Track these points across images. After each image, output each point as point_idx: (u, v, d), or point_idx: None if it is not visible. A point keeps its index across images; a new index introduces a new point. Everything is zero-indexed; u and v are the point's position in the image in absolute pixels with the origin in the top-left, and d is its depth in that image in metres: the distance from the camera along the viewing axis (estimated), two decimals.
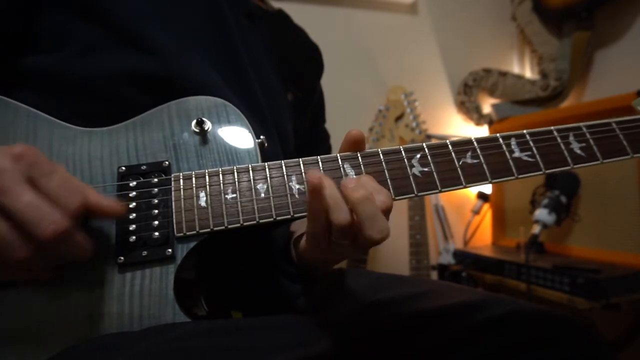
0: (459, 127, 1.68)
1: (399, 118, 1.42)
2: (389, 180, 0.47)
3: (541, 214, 1.22)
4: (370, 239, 0.40)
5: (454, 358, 0.46)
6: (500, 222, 1.60)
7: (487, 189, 1.62)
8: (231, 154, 0.50)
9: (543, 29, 1.63)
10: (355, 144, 0.48)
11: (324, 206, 0.41)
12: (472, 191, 1.66)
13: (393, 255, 1.54)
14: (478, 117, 1.64)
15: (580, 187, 1.27)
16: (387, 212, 0.42)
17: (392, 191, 0.46)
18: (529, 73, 1.77)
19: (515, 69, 1.79)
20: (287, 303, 0.64)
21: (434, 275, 1.45)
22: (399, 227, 1.44)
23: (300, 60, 0.79)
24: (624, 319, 1.27)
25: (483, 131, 1.67)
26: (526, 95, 1.62)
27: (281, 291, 0.64)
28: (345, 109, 1.48)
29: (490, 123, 1.63)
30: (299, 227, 0.67)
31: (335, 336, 0.44)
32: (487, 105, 1.68)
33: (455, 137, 1.60)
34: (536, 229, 1.21)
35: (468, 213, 1.65)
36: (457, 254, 1.46)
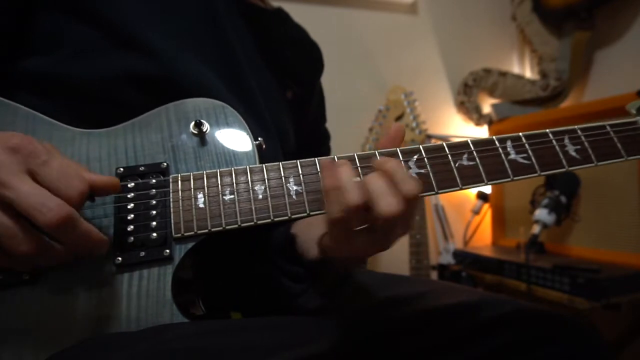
0: (459, 127, 1.68)
1: (399, 118, 1.42)
2: None
3: (541, 214, 1.22)
4: (380, 212, 0.40)
5: (454, 358, 0.46)
6: (500, 222, 1.60)
7: (486, 188, 1.61)
8: (229, 156, 0.50)
9: (543, 29, 1.63)
10: (394, 137, 0.49)
11: (336, 184, 0.42)
12: (472, 191, 1.66)
13: (393, 255, 1.53)
14: (478, 117, 1.64)
15: (580, 187, 1.27)
16: (408, 200, 0.41)
17: None
18: (529, 73, 1.77)
19: (515, 69, 1.79)
20: (285, 303, 0.64)
21: (434, 275, 1.45)
22: None
23: (300, 58, 0.79)
24: (624, 319, 1.27)
25: (483, 131, 1.67)
26: (526, 95, 1.62)
27: (280, 291, 0.64)
28: (345, 109, 1.48)
29: (490, 123, 1.63)
30: (301, 229, 0.68)
31: (334, 336, 0.44)
32: (487, 105, 1.67)
33: (455, 137, 1.60)
34: (536, 229, 1.21)
35: (468, 213, 1.65)
36: (457, 254, 1.46)
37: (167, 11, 0.60)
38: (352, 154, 0.48)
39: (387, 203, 0.40)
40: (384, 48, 1.61)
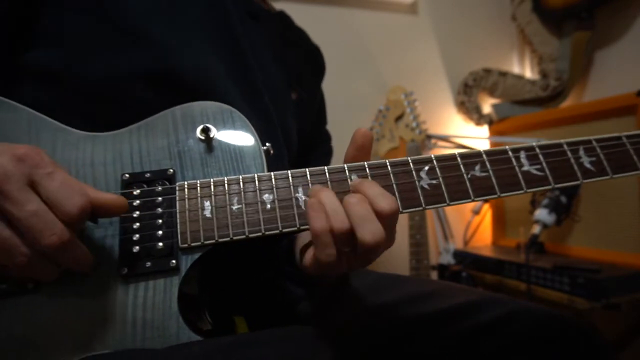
0: (459, 127, 1.68)
1: (399, 118, 1.42)
2: (396, 193, 0.46)
3: (541, 214, 1.22)
4: (362, 240, 0.39)
5: (454, 358, 0.46)
6: (500, 222, 1.60)
7: None
8: (237, 162, 0.49)
9: (543, 29, 1.62)
10: (362, 144, 0.47)
11: (324, 218, 0.41)
12: None
13: (393, 255, 1.54)
14: (478, 117, 1.63)
15: (581, 187, 1.27)
16: (387, 217, 0.41)
17: (399, 204, 0.46)
18: (529, 73, 1.77)
19: (515, 69, 1.79)
20: (290, 307, 0.64)
21: (434, 275, 1.45)
22: (399, 227, 1.43)
23: (302, 61, 0.79)
24: (624, 319, 1.27)
25: (483, 131, 1.66)
26: (526, 95, 1.61)
27: (285, 295, 0.64)
28: (345, 109, 1.47)
29: (490, 123, 1.62)
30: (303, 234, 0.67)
31: (339, 345, 0.44)
32: (487, 105, 1.67)
33: (456, 137, 1.59)
34: (536, 229, 1.21)
35: (468, 213, 1.65)
36: (457, 254, 1.46)
37: (175, 7, 0.59)
38: (362, 163, 0.47)
39: (369, 230, 0.39)
40: (384, 48, 1.60)
